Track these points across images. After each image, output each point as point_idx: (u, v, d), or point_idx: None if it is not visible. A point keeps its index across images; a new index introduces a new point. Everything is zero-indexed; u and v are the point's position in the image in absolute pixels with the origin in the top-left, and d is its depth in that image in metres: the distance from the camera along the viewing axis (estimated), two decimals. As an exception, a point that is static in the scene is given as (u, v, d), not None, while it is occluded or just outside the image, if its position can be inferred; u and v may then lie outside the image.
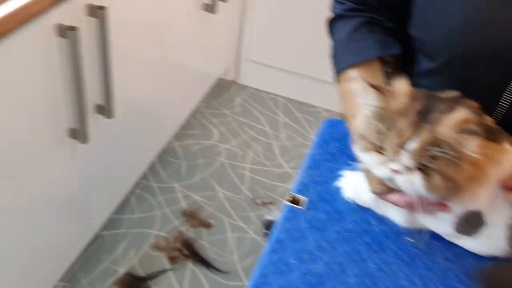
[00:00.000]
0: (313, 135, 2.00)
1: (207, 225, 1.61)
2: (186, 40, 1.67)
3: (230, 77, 2.26)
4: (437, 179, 0.60)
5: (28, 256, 1.13)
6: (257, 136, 1.99)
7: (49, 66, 0.99)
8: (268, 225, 1.59)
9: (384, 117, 0.63)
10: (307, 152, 0.87)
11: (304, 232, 0.72)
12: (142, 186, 1.70)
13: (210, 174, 1.79)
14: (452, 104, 0.63)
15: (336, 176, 0.80)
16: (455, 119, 0.60)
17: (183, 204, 1.67)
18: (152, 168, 1.76)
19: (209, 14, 1.69)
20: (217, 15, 1.72)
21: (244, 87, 2.24)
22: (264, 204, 1.71)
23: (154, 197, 1.68)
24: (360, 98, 0.74)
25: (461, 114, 0.61)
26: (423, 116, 0.61)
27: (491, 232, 0.68)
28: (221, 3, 1.71)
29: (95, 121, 1.19)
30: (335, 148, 0.88)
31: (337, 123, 0.95)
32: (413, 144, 0.60)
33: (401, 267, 0.69)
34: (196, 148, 1.89)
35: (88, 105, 1.12)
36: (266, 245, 0.71)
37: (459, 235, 0.70)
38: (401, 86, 0.65)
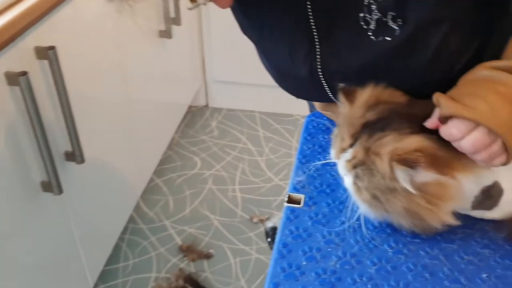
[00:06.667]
0: (296, 143, 1.95)
1: (207, 256, 1.53)
2: (148, 72, 1.61)
3: (201, 102, 2.21)
4: (365, 194, 0.61)
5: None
6: (240, 155, 1.93)
7: (6, 118, 0.93)
8: (271, 232, 1.52)
9: (342, 122, 0.65)
10: (296, 151, 0.83)
11: (309, 230, 0.66)
12: (131, 231, 1.62)
13: (200, 204, 1.72)
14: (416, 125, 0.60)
15: (331, 167, 0.75)
16: (395, 145, 0.58)
17: (178, 240, 1.59)
18: (138, 209, 1.69)
19: (166, 40, 1.64)
20: (175, 40, 1.68)
21: (217, 109, 2.19)
22: (261, 221, 1.64)
23: (146, 239, 1.59)
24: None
25: (411, 142, 0.58)
26: (371, 129, 0.60)
27: (509, 196, 0.63)
28: (175, 27, 1.67)
29: (67, 170, 1.12)
30: (324, 140, 0.83)
31: (320, 116, 0.90)
32: (347, 155, 0.62)
33: (420, 244, 0.64)
34: (180, 180, 1.82)
35: (56, 152, 1.06)
36: (273, 253, 0.65)
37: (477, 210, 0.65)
38: (363, 94, 0.64)
